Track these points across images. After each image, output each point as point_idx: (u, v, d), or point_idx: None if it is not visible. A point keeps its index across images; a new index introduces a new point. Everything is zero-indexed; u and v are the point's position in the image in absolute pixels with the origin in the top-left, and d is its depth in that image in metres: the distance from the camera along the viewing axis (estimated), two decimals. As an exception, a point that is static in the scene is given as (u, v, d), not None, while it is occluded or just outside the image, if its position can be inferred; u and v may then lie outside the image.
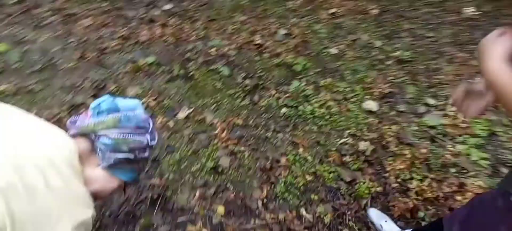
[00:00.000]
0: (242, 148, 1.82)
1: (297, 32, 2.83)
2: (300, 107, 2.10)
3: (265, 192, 1.61)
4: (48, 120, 1.62)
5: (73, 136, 0.72)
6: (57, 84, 2.02)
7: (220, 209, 1.50)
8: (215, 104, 2.10)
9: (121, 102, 0.76)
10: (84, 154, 0.71)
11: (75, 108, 1.88)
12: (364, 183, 1.66)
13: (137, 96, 2.02)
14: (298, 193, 1.62)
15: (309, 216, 1.50)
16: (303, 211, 1.51)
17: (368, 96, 2.19)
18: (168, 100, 2.06)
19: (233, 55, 2.50)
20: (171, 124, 1.92)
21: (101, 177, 0.74)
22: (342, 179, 1.70)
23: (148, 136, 0.77)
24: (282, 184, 1.64)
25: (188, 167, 1.70)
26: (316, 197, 1.59)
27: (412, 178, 1.68)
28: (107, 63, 2.28)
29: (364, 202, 1.58)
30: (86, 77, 2.11)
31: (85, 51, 2.31)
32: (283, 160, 1.77)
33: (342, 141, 1.92)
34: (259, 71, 2.41)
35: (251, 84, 2.25)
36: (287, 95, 2.20)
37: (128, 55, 2.34)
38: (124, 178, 0.78)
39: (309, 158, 1.81)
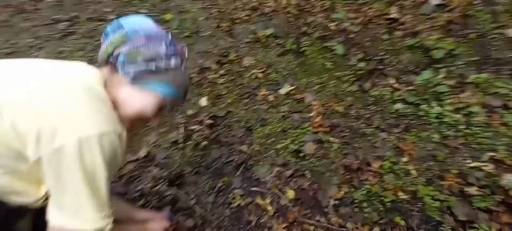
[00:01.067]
0: (332, 139, 1.68)
1: (458, 2, 2.14)
2: (423, 106, 1.67)
3: (342, 193, 1.46)
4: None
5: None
6: (196, 49, 2.48)
7: (290, 193, 1.50)
8: (319, 85, 1.99)
9: (125, 20, 0.78)
10: (109, 77, 0.77)
11: (203, 71, 2.27)
12: None
13: (248, 67, 2.20)
14: (381, 208, 1.37)
15: (383, 240, 1.26)
16: (377, 231, 1.29)
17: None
18: (274, 74, 2.13)
19: (355, 31, 2.21)
20: (271, 97, 1.99)
21: (132, 95, 0.74)
22: (452, 214, 1.29)
23: (164, 45, 0.75)
24: (365, 192, 1.43)
25: (274, 143, 1.76)
26: (402, 222, 1.30)
27: None
28: (234, 33, 2.56)
29: (475, 255, 1.16)
30: (217, 45, 2.47)
31: (221, 21, 2.67)
32: (376, 165, 1.52)
33: (475, 164, 1.42)
34: (382, 53, 2.04)
35: (366, 68, 1.96)
36: (409, 88, 1.78)
37: (252, 26, 2.53)
38: (159, 91, 0.75)
39: (414, 172, 1.46)
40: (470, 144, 1.48)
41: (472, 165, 1.41)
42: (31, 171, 0.69)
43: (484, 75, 1.70)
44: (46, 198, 0.74)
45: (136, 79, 0.74)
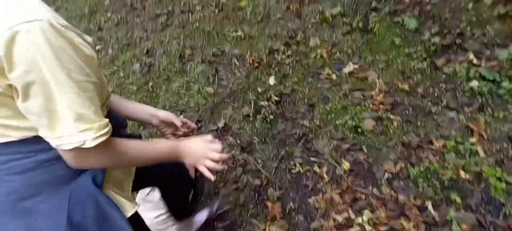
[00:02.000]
0: (392, 116, 1.71)
1: None
2: (504, 84, 1.53)
3: (398, 167, 1.52)
4: (254, 61, 2.33)
5: None
6: (266, 32, 2.71)
7: (346, 165, 1.64)
8: (385, 63, 1.99)
9: None
10: None
11: (272, 52, 2.50)
12: (559, 217, 1.12)
13: (314, 48, 2.32)
14: (437, 185, 1.39)
15: (435, 214, 1.30)
16: (430, 205, 1.33)
17: None
18: (339, 54, 2.20)
19: (433, 2, 2.06)
20: (334, 77, 2.09)
21: None
22: (520, 197, 1.23)
23: None
24: (422, 168, 1.46)
25: (334, 119, 1.89)
26: (459, 199, 1.31)
27: None
28: (303, 14, 2.67)
29: (540, 240, 1.11)
30: (285, 27, 2.64)
31: (290, 3, 2.81)
32: (438, 144, 1.51)
33: None
34: (464, 24, 1.88)
35: (440, 43, 1.85)
36: (490, 64, 1.63)
37: (319, 6, 2.60)
38: None
39: (482, 153, 1.40)
40: (561, 127, 1.31)
41: (558, 149, 1.27)
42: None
43: None
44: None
45: None
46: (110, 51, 3.08)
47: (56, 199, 0.73)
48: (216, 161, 0.86)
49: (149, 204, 1.67)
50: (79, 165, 0.68)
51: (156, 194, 1.65)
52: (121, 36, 3.17)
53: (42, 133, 0.61)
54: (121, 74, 2.85)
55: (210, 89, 2.40)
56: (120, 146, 0.72)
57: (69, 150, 0.61)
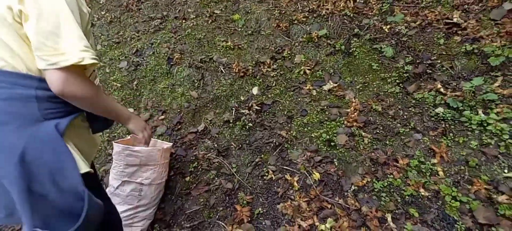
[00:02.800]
0: (364, 133, 1.79)
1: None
2: (466, 113, 1.64)
3: (364, 181, 1.58)
4: (240, 70, 2.40)
5: None
6: (255, 45, 2.82)
7: (316, 175, 1.69)
8: (361, 85, 2.10)
9: None
10: None
11: (258, 64, 2.59)
12: (504, 236, 1.19)
13: (298, 64, 2.42)
14: (398, 200, 1.46)
15: (393, 226, 1.35)
16: (389, 218, 1.38)
17: None
18: (321, 72, 2.30)
19: (409, 34, 2.22)
20: (314, 92, 2.18)
21: None
22: (471, 215, 1.30)
23: None
24: (386, 183, 1.53)
25: (309, 131, 1.96)
26: (417, 214, 1.37)
27: None
28: (291, 32, 2.80)
29: (486, 256, 1.17)
30: (274, 43, 2.76)
31: (280, 22, 2.94)
32: (403, 162, 1.59)
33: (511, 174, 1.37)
34: (434, 57, 2.02)
35: (413, 71, 1.98)
36: (455, 93, 1.76)
37: (307, 27, 2.74)
38: None
39: (441, 173, 1.49)
40: (511, 154, 1.42)
41: (508, 175, 1.37)
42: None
43: (549, 87, 1.57)
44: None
45: None
46: (99, 47, 3.10)
47: (17, 134, 0.75)
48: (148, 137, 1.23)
49: (117, 199, 1.66)
50: (65, 89, 0.76)
51: (125, 188, 1.64)
52: (112, 34, 3.21)
53: (42, 52, 0.73)
54: (107, 70, 2.87)
55: (194, 93, 2.44)
56: (99, 85, 0.91)
57: (65, 67, 0.73)
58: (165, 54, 2.71)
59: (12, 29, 0.74)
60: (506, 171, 1.38)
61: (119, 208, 1.65)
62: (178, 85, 2.53)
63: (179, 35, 2.93)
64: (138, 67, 2.77)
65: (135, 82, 2.67)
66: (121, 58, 2.89)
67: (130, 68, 2.79)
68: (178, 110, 2.39)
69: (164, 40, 2.91)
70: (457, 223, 1.29)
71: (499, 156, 1.44)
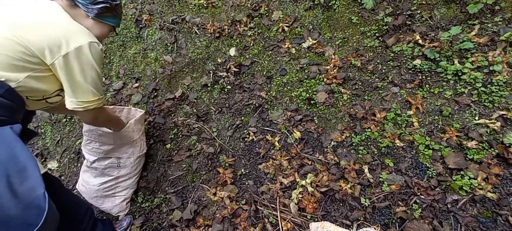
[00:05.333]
0: (343, 90, 1.79)
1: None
2: (442, 63, 1.65)
3: (343, 137, 1.61)
4: (215, 30, 2.27)
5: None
6: (230, 2, 2.65)
7: (297, 134, 1.70)
8: (341, 40, 2.05)
9: None
10: (68, 8, 1.03)
11: (234, 24, 2.45)
12: (471, 178, 1.26)
13: (276, 21, 2.31)
14: (375, 151, 1.50)
15: (369, 176, 1.41)
16: (366, 169, 1.43)
17: None
18: (300, 28, 2.22)
19: (389, -16, 2.13)
20: (293, 50, 2.12)
21: (94, 26, 1.07)
22: (442, 161, 1.37)
23: None
24: (363, 137, 1.56)
25: (289, 91, 1.93)
26: (391, 164, 1.42)
27: None
28: (268, -13, 2.64)
29: (453, 198, 1.25)
30: (250, -1, 2.60)
31: (256, -25, 2.75)
32: (380, 115, 1.61)
33: (482, 121, 1.43)
34: (414, 8, 1.97)
35: (392, 24, 1.94)
36: (433, 44, 1.75)
37: (284, -19, 2.57)
38: (112, 23, 1.11)
39: (416, 124, 1.53)
40: (483, 102, 1.46)
41: (478, 121, 1.42)
42: (49, 75, 1.00)
43: (522, 33, 1.58)
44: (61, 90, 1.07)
45: (98, 15, 1.05)
46: (59, 11, 2.82)
47: None
48: None
49: (95, 171, 1.61)
50: (93, 119, 1.20)
51: (102, 162, 1.59)
52: None
53: (74, 99, 1.06)
54: (72, 37, 2.64)
55: (168, 58, 2.32)
56: (108, 111, 1.35)
57: (91, 110, 1.10)
58: (133, 16, 2.51)
59: (18, 46, 0.90)
60: (477, 118, 1.43)
61: (99, 180, 1.61)
62: (150, 50, 2.38)
63: (147, -5, 2.69)
64: (105, 32, 2.57)
65: (103, 49, 2.49)
66: (85, 23, 2.66)
67: (96, 33, 2.58)
68: (153, 77, 2.28)
69: (129, 0, 2.67)
70: (429, 169, 1.35)
71: (471, 104, 1.48)
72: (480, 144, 1.35)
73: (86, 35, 1.00)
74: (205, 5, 2.54)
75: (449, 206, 1.24)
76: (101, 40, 1.13)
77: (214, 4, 2.57)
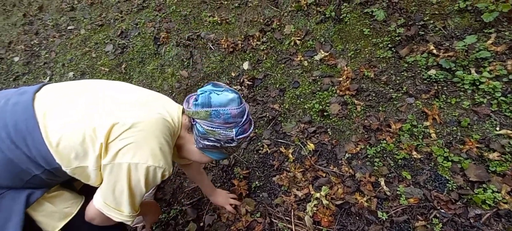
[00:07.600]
0: (357, 101, 1.78)
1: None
2: (458, 73, 1.63)
3: (358, 148, 1.60)
4: (229, 45, 2.34)
5: (183, 111, 0.96)
6: (243, 18, 2.72)
7: (311, 146, 1.70)
8: (353, 52, 2.06)
9: (215, 98, 0.87)
10: (186, 127, 0.96)
11: (247, 38, 2.52)
12: (494, 191, 1.22)
13: (288, 35, 2.35)
14: (391, 164, 1.48)
15: (386, 189, 1.38)
16: (382, 182, 1.41)
17: None
18: (311, 41, 2.25)
19: (401, -5, 2.14)
20: (305, 63, 2.14)
21: (196, 153, 0.98)
22: (463, 174, 1.33)
23: (235, 130, 0.88)
24: (379, 149, 1.54)
25: (302, 103, 1.94)
26: (409, 176, 1.39)
27: None
28: (279, 2, 2.70)
29: (476, 212, 1.20)
30: (262, 14, 2.67)
31: (268, -9, 2.83)
32: (395, 126, 1.59)
33: (503, 131, 1.38)
34: (427, 18, 1.97)
35: (404, 34, 1.94)
36: (448, 54, 1.73)
37: (296, -5, 2.63)
38: (214, 157, 0.99)
39: (433, 135, 1.50)
40: (503, 112, 1.42)
41: (499, 132, 1.38)
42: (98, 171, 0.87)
43: (542, 40, 1.54)
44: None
45: (204, 149, 0.95)
46: (82, 31, 2.99)
47: None
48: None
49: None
50: (100, 223, 0.95)
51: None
52: (95, 17, 3.09)
53: (105, 200, 0.89)
54: (93, 55, 2.78)
55: (184, 73, 2.40)
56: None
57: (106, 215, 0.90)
58: (151, 34, 2.63)
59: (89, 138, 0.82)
60: (497, 128, 1.39)
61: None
62: (167, 66, 2.47)
63: (163, 13, 2.82)
64: (125, 49, 2.69)
65: (123, 66, 2.61)
66: (106, 42, 2.80)
67: (116, 51, 2.71)
68: (170, 91, 2.35)
69: (148, 19, 2.81)
70: (449, 182, 1.31)
71: (491, 114, 1.45)
72: (502, 155, 1.30)
73: (157, 159, 0.86)
74: (219, 21, 2.63)
75: (472, 221, 1.20)
76: (200, 162, 1.08)
77: (227, 20, 2.66)
